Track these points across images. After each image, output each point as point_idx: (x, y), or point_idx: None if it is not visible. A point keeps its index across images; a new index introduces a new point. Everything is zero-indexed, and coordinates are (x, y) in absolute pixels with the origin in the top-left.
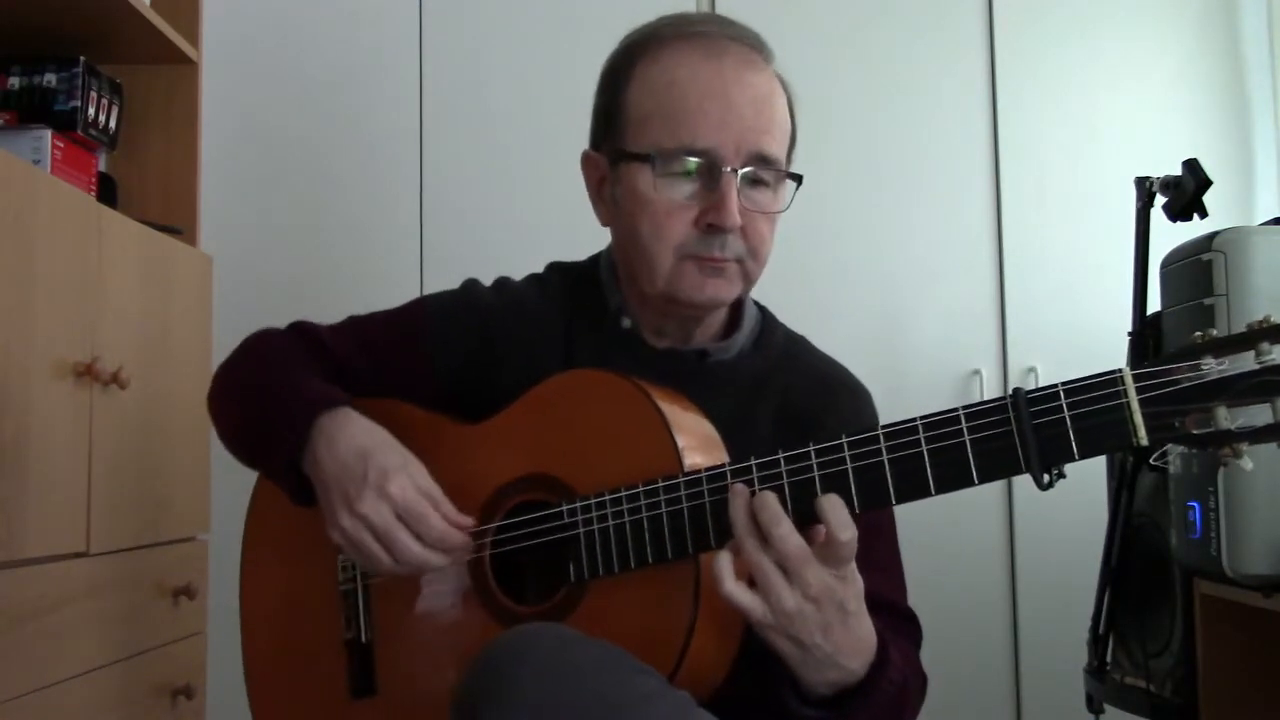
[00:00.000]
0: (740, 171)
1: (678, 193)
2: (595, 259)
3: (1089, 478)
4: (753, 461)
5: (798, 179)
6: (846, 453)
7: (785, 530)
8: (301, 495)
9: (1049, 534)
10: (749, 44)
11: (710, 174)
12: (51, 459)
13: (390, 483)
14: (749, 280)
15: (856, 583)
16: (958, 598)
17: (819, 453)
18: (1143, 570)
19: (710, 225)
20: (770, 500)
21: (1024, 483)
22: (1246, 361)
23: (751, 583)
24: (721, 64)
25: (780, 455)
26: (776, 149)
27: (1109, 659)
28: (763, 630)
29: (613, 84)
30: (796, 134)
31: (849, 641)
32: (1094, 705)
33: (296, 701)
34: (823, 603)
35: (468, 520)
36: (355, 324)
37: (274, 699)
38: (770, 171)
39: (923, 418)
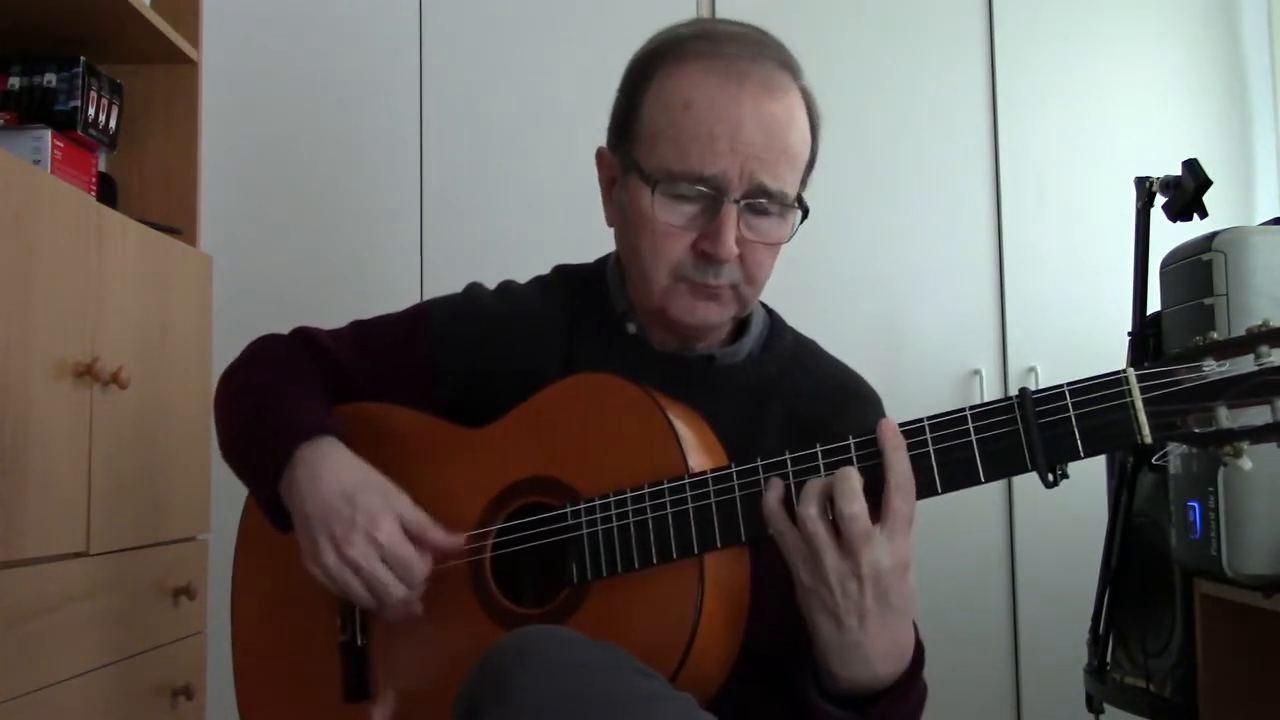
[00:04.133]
0: (741, 202)
1: (678, 215)
2: (603, 261)
3: (1089, 478)
4: (759, 463)
5: (804, 211)
6: (854, 453)
7: (857, 509)
8: (280, 521)
9: (1049, 534)
10: (776, 64)
11: (713, 201)
12: (51, 459)
13: (379, 529)
14: (743, 305)
15: (910, 584)
16: (958, 598)
17: (826, 454)
18: (1143, 570)
19: (704, 253)
20: (852, 475)
21: (1024, 483)
22: (1246, 364)
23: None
24: (741, 89)
25: (787, 456)
26: (782, 181)
27: (1109, 659)
28: (804, 597)
29: (632, 89)
30: (816, 156)
31: (884, 638)
32: (1094, 705)
33: (288, 706)
34: (867, 585)
35: (458, 540)
36: (358, 329)
37: (264, 704)
38: (773, 204)
39: (929, 418)
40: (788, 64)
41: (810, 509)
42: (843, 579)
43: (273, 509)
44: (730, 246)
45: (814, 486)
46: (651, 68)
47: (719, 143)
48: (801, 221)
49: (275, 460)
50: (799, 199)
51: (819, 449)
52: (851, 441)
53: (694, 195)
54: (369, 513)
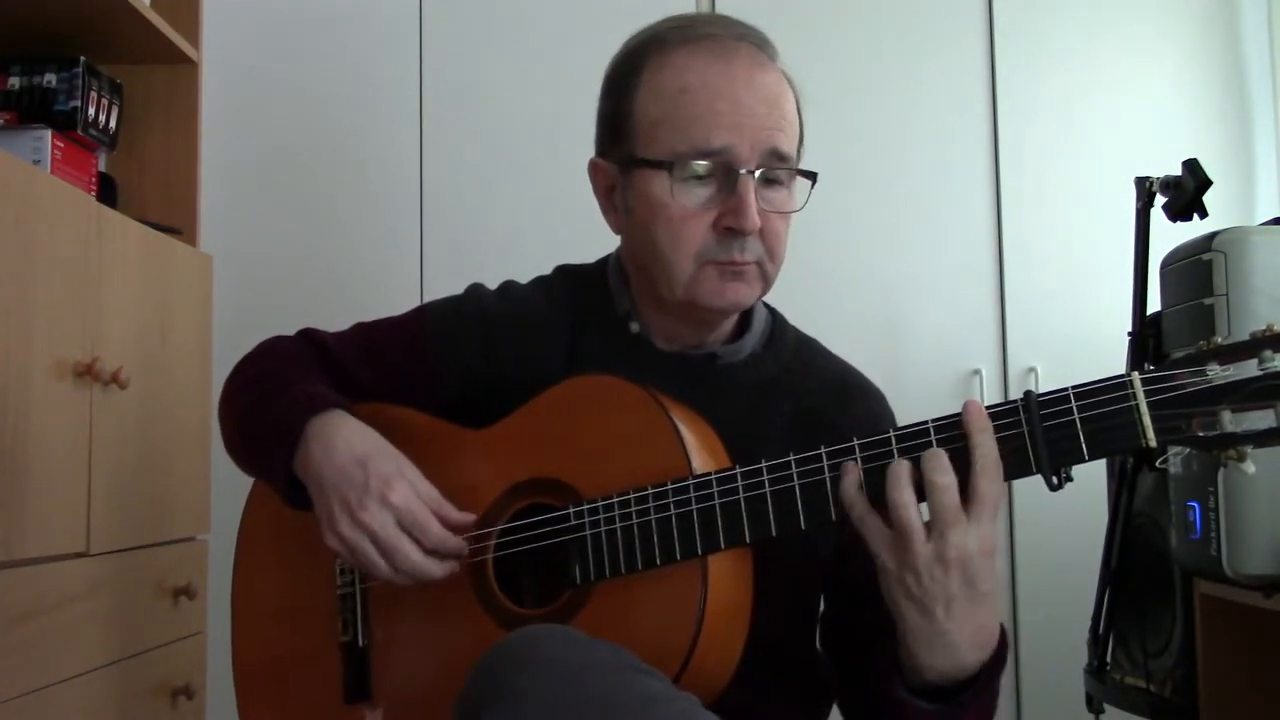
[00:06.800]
0: (756, 171)
1: (694, 198)
2: (604, 262)
3: (1089, 478)
4: (763, 464)
5: (813, 176)
6: (858, 455)
7: (949, 481)
8: (294, 498)
9: (1049, 534)
10: (755, 43)
11: (726, 176)
12: (51, 459)
13: (393, 491)
14: (767, 282)
15: (994, 568)
16: None
17: (830, 455)
18: (1143, 570)
19: (729, 229)
20: (942, 454)
21: (1024, 483)
22: (1250, 368)
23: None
24: (731, 65)
25: (791, 458)
26: (789, 146)
27: (1109, 659)
28: (889, 584)
29: (619, 90)
30: (804, 133)
31: (970, 624)
32: (1094, 705)
33: (288, 707)
34: (954, 570)
35: (469, 517)
36: (360, 331)
37: (264, 705)
38: (785, 169)
39: (935, 420)
40: (764, 45)
41: (903, 494)
42: (930, 565)
43: (288, 487)
44: (754, 216)
45: (901, 470)
46: (637, 65)
47: (722, 117)
48: (812, 188)
49: (288, 437)
50: (802, 170)
51: (823, 450)
52: (856, 443)
53: (707, 175)
54: (382, 476)
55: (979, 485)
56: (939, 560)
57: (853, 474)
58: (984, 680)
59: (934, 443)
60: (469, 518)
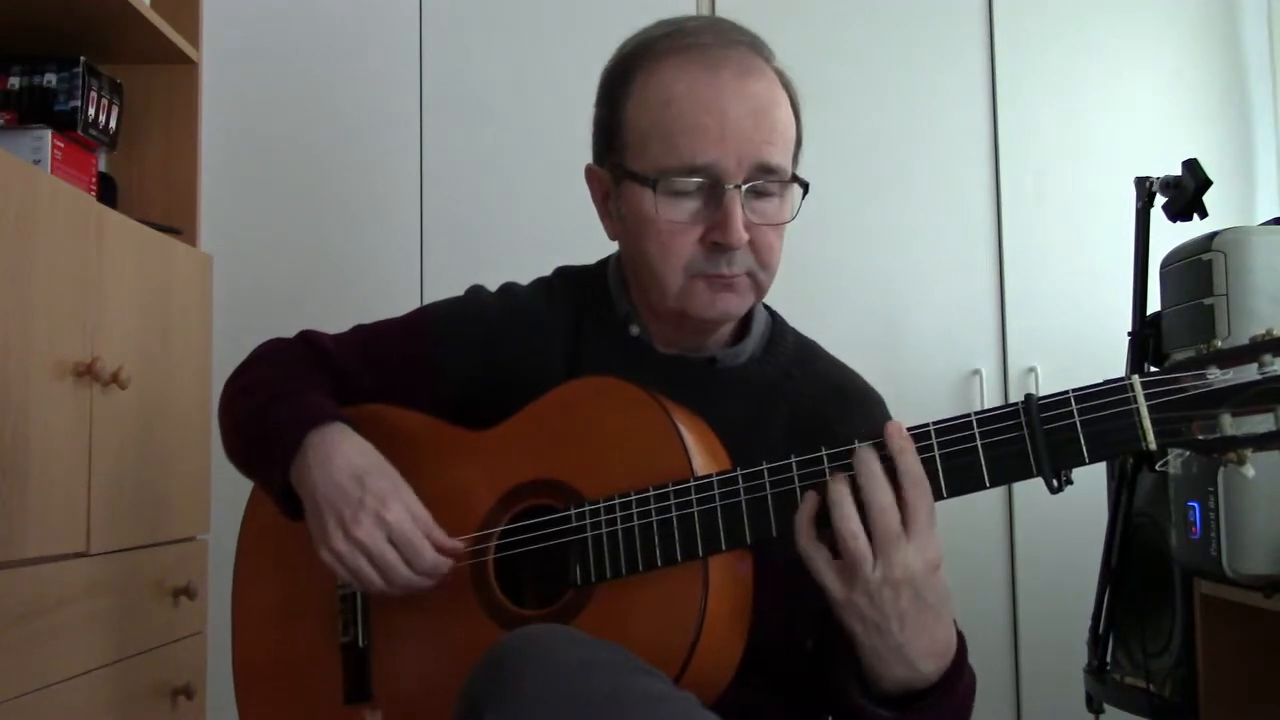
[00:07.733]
0: (743, 186)
1: (681, 212)
2: (604, 263)
3: (1089, 478)
4: (764, 465)
5: (804, 186)
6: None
7: (888, 501)
8: (290, 509)
9: (1049, 534)
10: (748, 47)
11: (713, 191)
12: (51, 459)
13: (388, 510)
14: (760, 291)
15: (942, 579)
16: (958, 598)
17: (831, 457)
18: (1143, 570)
19: (715, 244)
20: (878, 469)
21: (1024, 484)
22: (1250, 372)
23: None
24: (719, 76)
25: (792, 459)
26: (779, 158)
27: (1109, 659)
28: (839, 609)
29: (610, 99)
30: (802, 134)
31: (924, 637)
32: (1094, 705)
33: (288, 707)
34: (903, 589)
35: (458, 544)
36: (361, 333)
37: (264, 705)
38: (775, 181)
39: (935, 423)
40: (758, 47)
41: (851, 524)
42: (879, 586)
43: (284, 498)
44: (740, 232)
45: (844, 496)
46: (627, 74)
47: (709, 132)
48: (803, 197)
49: (286, 447)
50: (795, 176)
51: (824, 452)
52: (857, 445)
53: (693, 189)
54: (378, 494)
55: (909, 500)
56: (886, 581)
57: (809, 504)
58: (945, 687)
59: (935, 445)
60: (458, 544)
